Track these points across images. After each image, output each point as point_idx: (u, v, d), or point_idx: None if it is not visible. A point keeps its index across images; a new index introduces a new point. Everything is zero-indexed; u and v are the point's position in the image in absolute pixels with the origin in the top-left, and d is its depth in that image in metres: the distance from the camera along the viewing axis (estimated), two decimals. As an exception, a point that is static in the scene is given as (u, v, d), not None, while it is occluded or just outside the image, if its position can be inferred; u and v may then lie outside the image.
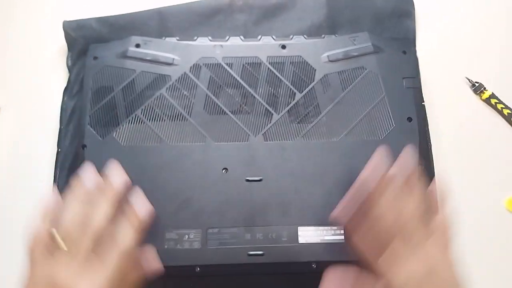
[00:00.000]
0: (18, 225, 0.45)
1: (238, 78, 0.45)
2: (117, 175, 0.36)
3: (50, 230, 0.33)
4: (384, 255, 0.32)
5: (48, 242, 0.32)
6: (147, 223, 0.35)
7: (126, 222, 0.34)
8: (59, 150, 0.46)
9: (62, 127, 0.47)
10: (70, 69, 0.49)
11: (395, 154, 0.42)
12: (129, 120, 0.44)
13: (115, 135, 0.43)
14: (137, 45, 0.46)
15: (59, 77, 0.50)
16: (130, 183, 0.36)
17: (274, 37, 0.47)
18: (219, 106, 0.45)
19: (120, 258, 0.32)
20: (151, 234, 0.40)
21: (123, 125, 0.44)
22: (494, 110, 0.49)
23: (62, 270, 0.31)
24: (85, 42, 0.49)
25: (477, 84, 0.49)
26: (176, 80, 0.45)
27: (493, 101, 0.49)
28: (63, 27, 0.49)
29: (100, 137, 0.43)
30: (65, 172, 0.46)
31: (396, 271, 0.31)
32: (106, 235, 0.32)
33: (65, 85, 0.49)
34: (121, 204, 0.34)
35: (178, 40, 0.47)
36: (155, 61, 0.46)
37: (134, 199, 0.35)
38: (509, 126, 0.48)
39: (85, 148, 0.43)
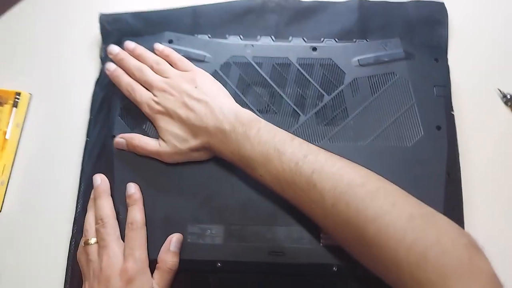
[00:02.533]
0: (46, 212, 0.46)
1: (267, 78, 0.46)
2: (95, 178, 0.43)
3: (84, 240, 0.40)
4: None
5: (85, 248, 0.39)
6: (140, 197, 0.41)
7: (129, 205, 0.41)
8: (88, 139, 0.47)
9: (92, 116, 0.48)
10: (103, 60, 0.50)
11: (423, 162, 0.42)
12: (158, 114, 0.44)
13: (144, 127, 0.44)
14: (170, 41, 0.47)
15: (91, 68, 0.51)
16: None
17: (305, 38, 0.48)
18: (247, 104, 0.45)
19: (140, 231, 0.39)
20: (174, 227, 0.41)
21: (152, 118, 0.44)
22: (525, 123, 0.48)
23: (101, 258, 0.38)
24: (120, 35, 0.50)
25: (508, 96, 0.49)
26: (206, 77, 0.46)
27: (524, 114, 0.48)
28: (99, 19, 0.50)
29: (130, 128, 0.44)
30: (92, 161, 0.46)
31: None
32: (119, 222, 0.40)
33: (97, 76, 0.50)
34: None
35: (209, 37, 0.48)
36: (187, 57, 0.46)
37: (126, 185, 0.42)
38: (539, 140, 0.47)
39: (114, 139, 0.44)
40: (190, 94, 0.41)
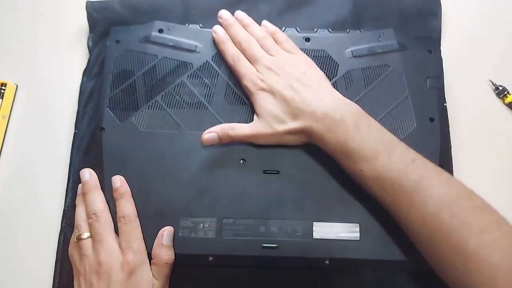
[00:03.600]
0: (34, 206, 0.45)
1: (260, 69, 0.45)
2: (83, 172, 0.42)
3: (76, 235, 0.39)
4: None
5: (77, 243, 0.39)
6: (128, 190, 0.40)
7: (117, 199, 0.40)
8: (76, 131, 0.46)
9: (80, 108, 0.47)
10: (90, 50, 0.49)
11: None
12: (149, 106, 0.44)
13: (134, 119, 0.43)
14: (160, 31, 0.46)
15: (79, 58, 0.50)
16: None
17: (298, 29, 0.47)
18: (239, 96, 0.44)
19: (134, 224, 0.39)
20: (166, 221, 0.40)
21: (142, 110, 0.44)
22: (516, 115, 0.48)
23: (98, 252, 0.37)
24: (107, 24, 0.49)
25: (500, 88, 0.49)
26: (197, 68, 0.45)
27: (516, 106, 0.48)
28: (86, 7, 0.49)
29: (119, 120, 0.43)
30: (81, 154, 0.46)
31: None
32: (113, 215, 0.39)
33: (85, 66, 0.49)
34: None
35: (201, 27, 0.47)
36: (177, 48, 0.45)
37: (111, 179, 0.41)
38: (530, 132, 0.48)
39: (103, 131, 0.43)
40: (297, 78, 0.41)
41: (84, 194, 0.41)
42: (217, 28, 0.45)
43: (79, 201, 0.41)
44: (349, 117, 0.38)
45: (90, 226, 0.39)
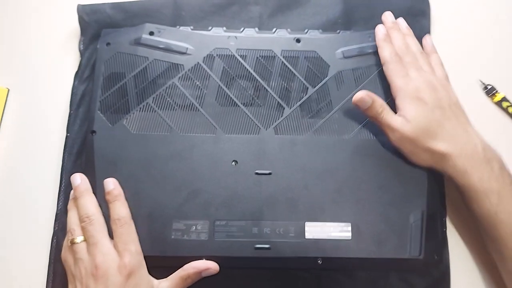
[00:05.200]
0: (26, 209, 0.45)
1: (251, 71, 0.45)
2: (74, 177, 0.41)
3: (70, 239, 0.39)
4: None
5: (71, 247, 0.38)
6: (121, 192, 0.40)
7: (110, 202, 0.40)
8: (68, 134, 0.46)
9: (71, 111, 0.47)
10: (82, 53, 0.49)
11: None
12: (140, 108, 0.44)
13: (125, 122, 0.43)
14: (151, 33, 0.46)
15: (70, 61, 0.50)
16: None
17: (289, 30, 0.47)
18: (231, 97, 0.44)
19: (129, 226, 0.39)
20: (158, 223, 0.40)
21: (133, 113, 0.44)
22: (505, 113, 0.49)
23: (93, 255, 0.37)
24: (98, 27, 0.48)
25: (489, 87, 0.49)
26: (188, 70, 0.45)
27: (504, 104, 0.49)
28: (77, 11, 0.49)
29: (110, 123, 0.43)
30: (73, 157, 0.45)
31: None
32: (106, 218, 0.39)
33: (76, 69, 0.49)
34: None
35: (192, 29, 0.47)
36: (168, 50, 0.45)
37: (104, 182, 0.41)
38: (520, 130, 0.48)
39: (94, 134, 0.43)
40: (450, 104, 0.42)
41: (76, 199, 0.40)
42: (380, 26, 0.47)
43: (71, 206, 0.41)
44: (495, 158, 0.40)
45: (84, 229, 0.39)
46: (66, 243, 0.39)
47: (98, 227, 0.38)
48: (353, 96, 0.44)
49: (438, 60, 0.47)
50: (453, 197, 0.45)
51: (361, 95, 0.41)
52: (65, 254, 0.39)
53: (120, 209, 0.39)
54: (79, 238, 0.38)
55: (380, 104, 0.41)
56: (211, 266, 0.39)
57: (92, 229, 0.38)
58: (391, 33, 0.46)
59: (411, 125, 0.40)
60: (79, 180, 0.41)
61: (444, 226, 0.44)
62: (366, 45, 0.46)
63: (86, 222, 0.38)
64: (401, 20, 0.48)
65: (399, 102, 0.42)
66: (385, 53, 0.44)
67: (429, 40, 0.48)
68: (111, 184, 0.40)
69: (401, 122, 0.41)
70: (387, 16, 0.48)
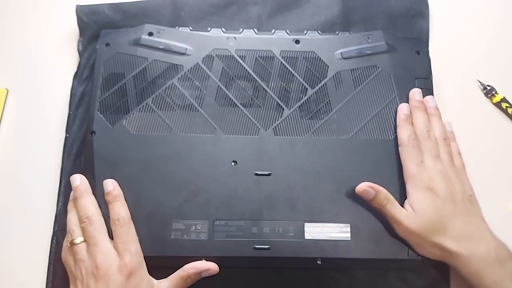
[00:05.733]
0: (25, 210, 0.45)
1: (251, 71, 0.45)
2: (73, 178, 0.41)
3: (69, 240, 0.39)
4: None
5: (71, 248, 0.38)
6: (120, 193, 0.40)
7: (110, 203, 0.40)
8: (67, 135, 0.46)
9: (71, 112, 0.47)
10: (80, 54, 0.49)
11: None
12: (139, 109, 0.44)
13: (125, 122, 0.43)
14: (150, 34, 0.46)
15: (69, 62, 0.50)
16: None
17: (288, 31, 0.47)
18: (230, 98, 0.44)
19: (129, 226, 0.39)
20: (158, 223, 0.40)
21: (133, 113, 0.44)
22: (504, 114, 0.49)
23: (93, 256, 0.37)
24: (97, 27, 0.48)
25: (488, 87, 0.49)
26: (188, 70, 0.45)
27: (504, 105, 0.49)
28: (76, 11, 0.49)
29: (110, 124, 0.43)
30: (72, 157, 0.45)
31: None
32: (105, 219, 0.39)
33: (75, 70, 0.49)
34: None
35: (191, 30, 0.47)
36: (167, 50, 0.45)
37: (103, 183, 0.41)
38: (518, 130, 0.48)
39: (93, 135, 0.43)
40: (464, 199, 0.40)
41: (75, 199, 0.40)
42: (403, 104, 0.44)
43: (70, 207, 0.41)
44: (509, 260, 0.38)
45: (84, 230, 0.39)
46: (65, 244, 0.39)
47: (98, 228, 0.38)
48: (352, 97, 0.44)
49: (456, 149, 0.44)
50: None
51: (363, 187, 0.40)
52: (65, 255, 0.39)
53: (120, 209, 0.39)
54: (78, 239, 0.38)
55: (384, 195, 0.40)
56: (211, 266, 0.39)
57: (92, 230, 0.38)
58: (415, 113, 0.43)
59: (418, 218, 0.38)
60: (79, 180, 0.41)
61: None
62: (365, 47, 0.46)
63: (86, 222, 0.38)
64: (430, 99, 0.45)
65: (410, 189, 0.40)
66: (403, 134, 0.42)
67: (449, 127, 0.45)
68: (110, 185, 0.40)
69: (407, 215, 0.39)
70: (415, 93, 0.44)
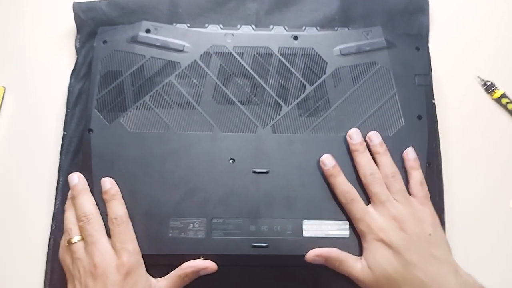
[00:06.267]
0: (23, 209, 0.45)
1: (249, 68, 0.45)
2: (71, 177, 0.41)
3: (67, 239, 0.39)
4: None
5: (69, 247, 0.38)
6: (118, 191, 0.40)
7: (107, 201, 0.40)
8: (65, 133, 0.46)
9: (68, 110, 0.47)
10: (78, 51, 0.49)
11: (403, 151, 0.42)
12: (137, 106, 0.44)
13: (122, 120, 0.43)
14: (147, 31, 0.46)
15: (66, 59, 0.49)
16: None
17: (286, 27, 0.47)
18: (228, 95, 0.44)
19: (127, 225, 0.39)
20: (155, 221, 0.40)
21: (130, 111, 0.43)
22: (504, 110, 0.49)
23: (91, 254, 0.37)
24: (95, 24, 0.48)
25: (488, 83, 0.49)
26: (185, 68, 0.45)
27: (504, 100, 0.48)
28: (73, 8, 0.49)
29: (107, 121, 0.43)
30: (70, 156, 0.45)
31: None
32: (103, 217, 0.39)
33: (73, 67, 0.48)
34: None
35: (189, 27, 0.46)
36: (165, 47, 0.45)
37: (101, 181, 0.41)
38: (518, 126, 0.48)
39: (91, 132, 0.43)
40: (422, 242, 0.37)
41: (73, 198, 0.40)
42: (326, 158, 0.41)
43: (68, 205, 0.41)
44: None
45: (81, 228, 0.38)
46: (63, 242, 0.39)
47: (96, 226, 0.38)
48: (351, 94, 0.44)
49: (419, 178, 0.40)
50: (451, 196, 0.45)
51: (311, 257, 0.38)
52: (63, 254, 0.39)
53: (117, 208, 0.39)
54: (76, 238, 0.38)
55: (334, 258, 0.38)
56: (209, 265, 0.39)
57: (90, 228, 0.38)
58: (355, 158, 0.41)
59: (372, 274, 0.37)
60: (77, 179, 0.41)
61: (443, 223, 0.44)
62: (364, 43, 0.46)
63: (84, 221, 0.38)
64: (372, 135, 0.41)
65: (363, 244, 0.38)
66: (337, 193, 0.40)
67: (411, 154, 0.41)
68: (107, 184, 0.40)
69: (362, 271, 0.37)
70: (352, 136, 0.41)
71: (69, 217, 0.40)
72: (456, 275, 0.36)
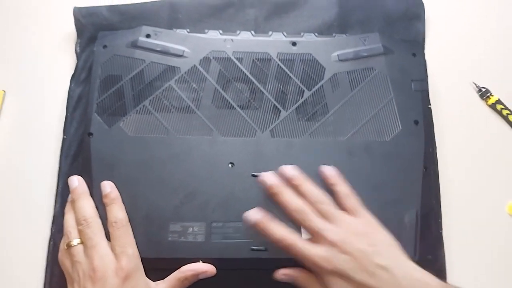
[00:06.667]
0: (22, 212, 0.45)
1: (248, 73, 0.45)
2: (71, 180, 0.41)
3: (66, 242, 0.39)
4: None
5: (68, 250, 0.38)
6: (118, 195, 0.40)
7: (107, 205, 0.40)
8: (65, 137, 0.46)
9: (68, 114, 0.47)
10: (78, 55, 0.49)
11: (401, 157, 0.43)
12: (137, 110, 0.44)
13: (122, 124, 0.43)
14: (148, 36, 0.46)
15: (67, 63, 0.50)
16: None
17: (284, 33, 0.47)
18: (227, 100, 0.44)
19: (127, 229, 0.39)
20: (155, 225, 0.40)
21: (130, 115, 0.44)
22: (499, 116, 0.49)
23: (91, 258, 0.37)
24: (95, 29, 0.49)
25: (483, 89, 0.50)
26: (185, 72, 0.45)
27: (498, 106, 0.49)
28: (74, 13, 0.49)
29: (107, 126, 0.43)
30: (69, 159, 0.46)
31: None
32: (103, 221, 0.39)
33: (73, 72, 0.49)
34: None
35: (188, 32, 0.47)
36: (165, 52, 0.45)
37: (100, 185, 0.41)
38: (513, 132, 0.49)
39: (91, 136, 0.43)
40: (369, 258, 0.35)
41: (73, 201, 0.40)
42: (250, 214, 0.39)
43: (68, 208, 0.41)
44: None
45: (81, 232, 0.39)
46: (62, 245, 0.39)
47: (95, 230, 0.38)
48: (348, 99, 0.44)
49: (344, 192, 0.39)
50: (448, 200, 0.45)
51: (278, 276, 0.39)
52: (62, 257, 0.39)
53: (118, 212, 0.39)
54: (75, 241, 0.38)
55: (301, 282, 0.38)
56: (209, 269, 0.39)
57: (90, 232, 0.38)
58: (278, 199, 0.39)
59: None
60: (77, 182, 0.41)
61: (440, 227, 0.44)
62: (362, 49, 0.47)
63: (83, 224, 0.38)
64: (286, 169, 0.40)
65: (320, 281, 0.37)
66: (272, 239, 0.38)
67: (327, 172, 0.40)
68: (108, 187, 0.40)
69: None
70: (264, 181, 0.40)
71: (69, 220, 0.40)
72: (410, 275, 0.35)
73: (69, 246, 0.38)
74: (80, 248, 0.38)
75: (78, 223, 0.39)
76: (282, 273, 0.39)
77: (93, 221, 0.39)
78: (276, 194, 0.39)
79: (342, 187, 0.40)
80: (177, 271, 0.39)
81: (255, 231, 0.38)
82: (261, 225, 0.38)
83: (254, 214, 0.39)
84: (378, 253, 0.36)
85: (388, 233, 0.38)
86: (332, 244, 0.36)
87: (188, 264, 0.39)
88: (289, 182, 0.40)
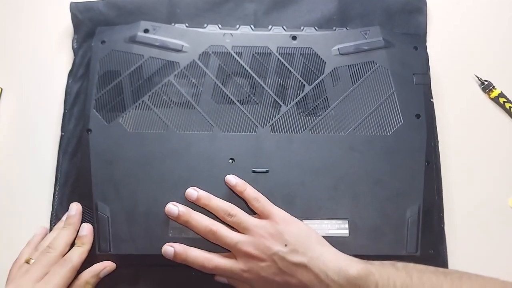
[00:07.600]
0: (20, 209, 0.45)
1: (247, 68, 0.45)
2: (71, 206, 0.41)
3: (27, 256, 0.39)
4: None
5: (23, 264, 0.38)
6: (78, 222, 0.40)
7: (64, 226, 0.40)
8: (63, 134, 0.46)
9: (66, 110, 0.47)
10: (75, 51, 0.48)
11: (402, 150, 0.43)
12: (136, 106, 0.43)
13: (121, 120, 0.43)
14: (146, 30, 0.46)
15: (64, 60, 0.49)
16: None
17: (284, 27, 0.47)
18: (227, 95, 0.44)
19: (68, 271, 0.37)
20: (155, 221, 0.40)
21: (129, 111, 0.43)
22: (502, 109, 0.49)
23: (26, 280, 0.36)
24: (92, 24, 0.48)
25: (486, 83, 0.49)
26: (184, 68, 0.45)
27: (501, 100, 0.49)
28: (70, 8, 0.48)
29: (106, 122, 0.43)
30: (68, 156, 0.45)
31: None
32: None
33: (70, 68, 0.48)
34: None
35: (187, 27, 0.46)
36: (163, 47, 0.45)
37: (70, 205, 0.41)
38: (516, 125, 0.48)
39: (90, 133, 0.43)
40: (284, 257, 0.36)
41: (63, 225, 0.41)
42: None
43: (57, 226, 0.41)
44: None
45: (40, 254, 0.38)
46: (21, 259, 0.39)
47: (48, 262, 0.37)
48: (349, 94, 0.44)
49: (251, 196, 0.39)
50: (450, 194, 0.45)
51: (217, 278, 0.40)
52: (15, 266, 0.39)
53: (62, 238, 0.39)
54: (32, 261, 0.38)
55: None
56: (107, 264, 0.39)
57: (44, 259, 0.38)
58: (188, 225, 0.39)
59: None
60: (74, 211, 0.41)
61: (442, 222, 0.44)
62: (362, 42, 0.46)
63: (46, 250, 0.38)
64: (189, 192, 0.40)
65: None
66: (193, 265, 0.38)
67: (232, 182, 0.40)
68: (73, 210, 0.41)
69: None
70: (169, 210, 0.40)
71: (48, 238, 0.40)
72: (327, 269, 0.35)
73: (27, 262, 0.38)
74: (27, 266, 0.38)
75: (47, 245, 0.39)
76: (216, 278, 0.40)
77: (54, 255, 0.38)
78: (186, 222, 0.39)
79: (249, 192, 0.40)
80: (75, 279, 0.38)
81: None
82: (182, 256, 0.38)
83: (169, 248, 0.38)
84: (294, 251, 0.36)
85: (302, 224, 0.39)
86: (248, 255, 0.37)
87: (86, 270, 0.39)
88: (197, 203, 0.40)
